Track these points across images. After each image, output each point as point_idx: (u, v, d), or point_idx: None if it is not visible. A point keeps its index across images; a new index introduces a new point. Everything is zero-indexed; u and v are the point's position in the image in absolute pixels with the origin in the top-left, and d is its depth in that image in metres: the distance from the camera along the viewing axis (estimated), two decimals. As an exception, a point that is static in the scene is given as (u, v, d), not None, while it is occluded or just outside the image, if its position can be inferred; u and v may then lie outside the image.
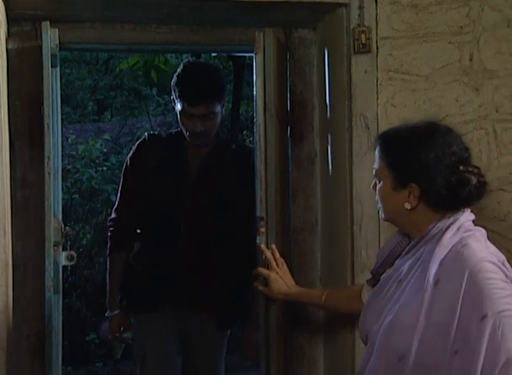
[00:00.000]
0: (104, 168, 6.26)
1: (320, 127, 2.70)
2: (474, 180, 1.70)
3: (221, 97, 2.57)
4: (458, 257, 1.64)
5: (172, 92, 2.60)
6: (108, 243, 2.78)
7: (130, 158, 2.74)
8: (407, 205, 1.74)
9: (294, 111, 2.71)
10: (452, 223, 1.70)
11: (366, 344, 1.82)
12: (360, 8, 2.37)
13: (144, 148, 2.71)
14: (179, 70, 2.59)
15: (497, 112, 2.40)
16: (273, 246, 2.32)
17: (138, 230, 2.77)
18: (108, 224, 2.80)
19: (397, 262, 1.82)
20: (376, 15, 2.37)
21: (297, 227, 2.73)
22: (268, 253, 2.29)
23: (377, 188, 1.82)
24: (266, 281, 2.26)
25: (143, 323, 2.73)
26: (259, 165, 2.41)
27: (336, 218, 2.55)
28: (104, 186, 6.04)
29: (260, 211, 2.41)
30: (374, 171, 1.83)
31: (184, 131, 2.62)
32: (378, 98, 2.40)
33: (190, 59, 2.66)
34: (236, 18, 2.57)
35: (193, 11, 2.45)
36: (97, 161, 6.35)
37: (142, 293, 2.70)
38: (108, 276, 2.78)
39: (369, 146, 2.40)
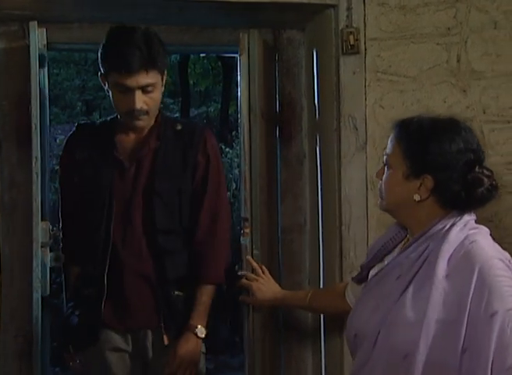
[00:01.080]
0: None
1: (308, 128, 2.70)
2: (487, 182, 1.66)
3: (161, 64, 2.13)
4: (467, 254, 1.60)
5: (101, 68, 2.16)
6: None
7: (60, 160, 2.36)
8: (417, 197, 1.68)
9: (282, 111, 2.71)
10: (457, 221, 1.67)
11: (352, 343, 1.77)
12: (349, 9, 2.38)
13: (73, 142, 2.31)
14: (105, 38, 2.16)
15: (484, 113, 2.42)
16: (248, 258, 2.37)
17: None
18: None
19: (395, 257, 1.76)
20: (364, 16, 2.38)
21: (286, 228, 2.73)
22: (253, 263, 2.34)
23: (384, 175, 1.74)
24: (249, 292, 2.29)
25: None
26: (243, 165, 2.42)
27: (325, 219, 2.56)
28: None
29: (244, 212, 2.42)
30: (385, 158, 1.75)
31: (119, 114, 2.21)
32: (366, 99, 2.41)
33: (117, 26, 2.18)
34: (224, 19, 2.57)
35: (181, 11, 2.45)
36: (86, 162, 6.31)
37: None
38: None
39: (357, 147, 2.42)
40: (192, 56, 7.13)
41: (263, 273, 2.35)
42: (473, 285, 1.56)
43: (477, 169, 1.67)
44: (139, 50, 2.07)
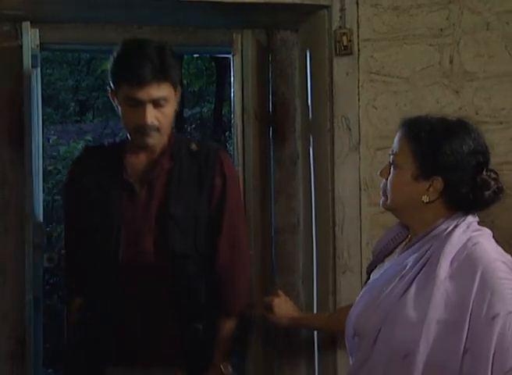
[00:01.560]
0: (86, 169, 6.22)
1: (302, 129, 2.70)
2: (494, 185, 1.65)
3: (174, 77, 2.00)
4: (470, 255, 1.59)
5: (110, 81, 2.03)
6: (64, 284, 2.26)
7: (65, 187, 2.21)
8: (425, 198, 1.65)
9: (276, 112, 2.72)
10: (460, 222, 1.65)
11: (351, 343, 1.75)
12: (342, 10, 2.39)
13: (79, 167, 2.15)
14: (117, 50, 2.04)
15: (477, 114, 2.42)
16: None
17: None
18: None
19: (398, 256, 1.74)
20: (357, 17, 2.39)
21: (279, 228, 2.73)
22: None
23: (391, 175, 1.70)
24: (270, 308, 2.18)
25: None
26: (237, 166, 2.42)
27: (318, 219, 2.56)
28: (85, 187, 6.01)
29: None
30: (391, 157, 1.70)
31: (129, 131, 2.05)
32: (359, 100, 2.41)
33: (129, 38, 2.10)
34: (217, 19, 2.57)
35: (174, 12, 2.45)
36: (79, 162, 6.31)
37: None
38: None
39: (350, 147, 2.42)
40: (186, 57, 7.13)
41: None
42: (475, 287, 1.55)
43: (485, 171, 1.65)
44: (150, 61, 1.94)
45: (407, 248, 1.72)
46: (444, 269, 1.59)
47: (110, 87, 2.03)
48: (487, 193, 1.64)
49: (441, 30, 2.42)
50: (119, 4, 2.38)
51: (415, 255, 1.67)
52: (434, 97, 2.43)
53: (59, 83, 9.14)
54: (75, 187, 2.12)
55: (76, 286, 2.14)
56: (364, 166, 2.43)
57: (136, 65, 1.94)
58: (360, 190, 2.43)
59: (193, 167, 2.06)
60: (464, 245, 1.62)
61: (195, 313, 2.03)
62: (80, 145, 6.50)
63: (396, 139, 1.72)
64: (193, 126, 7.86)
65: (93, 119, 9.17)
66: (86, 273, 2.08)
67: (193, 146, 2.10)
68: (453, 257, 1.60)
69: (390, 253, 1.81)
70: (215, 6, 2.38)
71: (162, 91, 1.96)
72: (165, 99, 1.97)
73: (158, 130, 1.98)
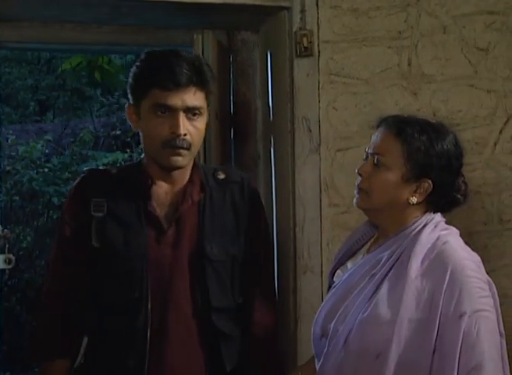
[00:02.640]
0: (46, 169, 6.14)
1: (263, 129, 2.71)
2: (464, 189, 1.68)
3: (210, 87, 1.74)
4: (440, 254, 1.60)
5: (130, 95, 1.77)
6: (36, 346, 1.77)
7: (65, 211, 1.79)
8: (413, 200, 1.63)
9: (237, 113, 2.72)
10: (429, 221, 1.65)
11: (317, 344, 1.71)
12: (302, 11, 2.40)
13: (84, 194, 1.76)
14: (141, 59, 1.75)
15: (435, 116, 2.46)
16: None
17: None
18: (36, 316, 1.85)
19: (366, 255, 1.72)
20: (318, 19, 2.41)
21: (240, 229, 2.73)
22: None
23: (376, 174, 1.65)
24: None
25: None
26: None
27: (279, 220, 2.57)
28: (45, 188, 5.93)
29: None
30: (376, 157, 1.65)
31: (153, 150, 1.71)
32: (319, 101, 2.43)
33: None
34: (178, 19, 2.56)
35: (134, 11, 2.43)
36: (39, 162, 6.22)
37: None
38: None
39: (311, 148, 2.43)
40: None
41: None
42: (445, 285, 1.55)
43: (462, 175, 1.68)
44: (188, 64, 1.67)
45: (378, 247, 1.70)
46: (415, 267, 1.59)
47: (129, 101, 1.76)
48: (459, 196, 1.66)
49: (399, 32, 2.45)
50: (77, 3, 2.36)
51: (385, 254, 1.66)
52: (393, 98, 2.46)
53: (18, 83, 8.98)
54: (78, 220, 1.73)
55: (91, 357, 1.74)
56: (324, 166, 2.44)
57: (172, 66, 1.66)
58: (320, 191, 2.44)
59: (226, 200, 1.77)
60: (434, 244, 1.62)
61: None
62: (40, 145, 6.40)
63: (377, 137, 1.67)
64: (156, 126, 7.80)
65: (53, 118, 9.04)
66: (83, 334, 1.74)
67: (220, 174, 1.81)
68: (424, 256, 1.61)
69: (353, 254, 1.80)
70: (175, 6, 2.37)
71: (198, 99, 1.69)
72: (200, 111, 1.70)
73: (189, 148, 1.68)
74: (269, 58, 2.61)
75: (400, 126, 1.65)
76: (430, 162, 1.63)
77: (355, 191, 1.72)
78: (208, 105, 1.74)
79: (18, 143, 6.60)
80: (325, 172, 2.44)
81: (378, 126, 1.72)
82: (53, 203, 5.81)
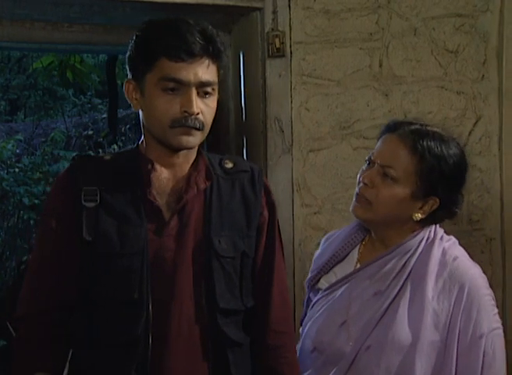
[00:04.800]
0: (16, 169, 6.07)
1: (235, 130, 2.71)
2: (462, 200, 1.65)
3: (223, 61, 1.54)
4: (453, 272, 1.56)
5: (130, 69, 1.54)
6: (14, 360, 1.52)
7: (51, 201, 1.58)
8: (417, 217, 1.59)
9: (210, 113, 2.71)
10: (432, 234, 1.62)
11: (307, 357, 1.65)
12: (274, 12, 2.40)
13: (72, 181, 1.54)
14: (141, 28, 1.56)
15: (405, 117, 2.48)
16: None
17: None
18: (14, 326, 1.56)
19: (363, 267, 1.64)
20: (290, 20, 2.41)
21: (213, 230, 2.72)
22: None
23: (384, 187, 1.57)
24: None
25: None
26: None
27: (251, 220, 2.57)
28: (15, 188, 5.85)
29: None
30: (385, 168, 1.57)
31: (159, 129, 1.50)
32: (292, 102, 2.44)
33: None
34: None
35: (105, 10, 2.41)
36: (9, 162, 6.15)
37: None
38: None
39: (283, 149, 2.44)
40: (121, 57, 7.04)
41: None
42: (462, 305, 1.53)
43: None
44: (199, 32, 1.47)
45: (378, 258, 1.63)
46: (431, 287, 1.55)
47: (127, 77, 1.55)
48: (457, 210, 1.64)
49: (371, 34, 2.47)
50: (47, 1, 2.33)
51: (387, 270, 1.60)
52: (364, 99, 2.48)
53: (-12, 82, 8.88)
54: (67, 210, 1.52)
55: (42, 363, 1.50)
56: (296, 167, 2.45)
57: (182, 32, 1.45)
58: (293, 191, 2.45)
59: (235, 191, 1.58)
60: (445, 261, 1.58)
61: None
62: (10, 145, 6.32)
63: (387, 146, 1.59)
64: (128, 126, 7.77)
65: (24, 118, 8.94)
66: (68, 346, 1.52)
67: (228, 163, 1.62)
68: (437, 274, 1.57)
69: (342, 260, 1.72)
70: (146, 6, 2.36)
71: (211, 73, 1.49)
72: (213, 87, 1.50)
73: (201, 128, 1.48)
74: (241, 58, 2.61)
75: (415, 139, 1.57)
76: (442, 180, 1.58)
77: (354, 199, 1.63)
78: (218, 81, 1.53)
79: (-12, 143, 6.53)
80: (298, 172, 2.45)
81: (386, 133, 1.64)
82: (24, 203, 5.74)
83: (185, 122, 1.46)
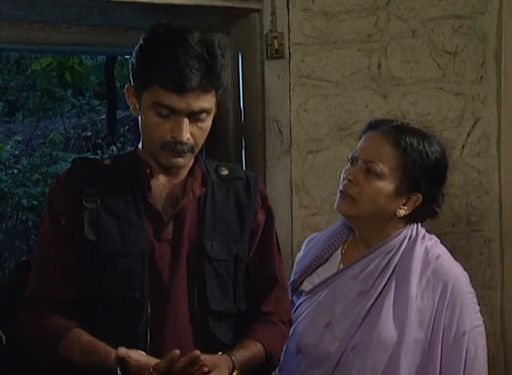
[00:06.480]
0: (15, 171, 6.08)
1: (234, 131, 2.71)
2: (442, 199, 1.68)
3: (222, 83, 1.56)
4: (436, 270, 1.58)
5: (132, 77, 1.59)
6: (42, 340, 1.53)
7: (52, 200, 1.60)
8: (401, 213, 1.61)
9: (208, 115, 2.70)
10: (417, 233, 1.63)
11: (293, 358, 1.66)
12: (273, 14, 2.40)
13: (75, 180, 1.58)
14: (147, 38, 1.58)
15: (404, 118, 2.47)
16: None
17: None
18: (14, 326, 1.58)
19: (346, 267, 1.66)
20: (288, 21, 2.41)
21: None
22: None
23: (368, 182, 1.59)
24: None
25: None
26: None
27: (250, 221, 2.56)
28: (14, 189, 5.86)
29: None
30: (368, 164, 1.59)
31: (152, 145, 1.55)
32: (290, 103, 2.44)
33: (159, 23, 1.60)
34: (148, 20, 2.51)
35: (104, 12, 2.41)
36: (8, 163, 6.16)
37: None
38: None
39: (282, 150, 2.44)
40: (119, 58, 7.04)
41: None
42: (446, 303, 1.55)
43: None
44: (198, 61, 1.47)
45: (360, 258, 1.64)
46: (414, 285, 1.56)
47: (130, 82, 1.59)
48: (437, 209, 1.67)
49: (369, 35, 2.47)
50: (46, 3, 2.33)
51: (371, 269, 1.61)
52: (363, 101, 2.48)
53: (-13, 83, 8.88)
54: (68, 209, 1.55)
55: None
56: (295, 168, 2.45)
57: (178, 62, 1.46)
58: (291, 192, 2.45)
59: (230, 197, 1.63)
60: (428, 259, 1.59)
61: None
62: (9, 146, 6.32)
63: (370, 143, 1.61)
64: (127, 127, 7.77)
65: (23, 119, 8.94)
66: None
67: (224, 170, 1.67)
68: (420, 272, 1.58)
69: (325, 261, 1.74)
70: (144, 7, 2.36)
71: (206, 101, 1.51)
72: (208, 112, 1.53)
73: (192, 149, 1.53)
74: (240, 60, 2.61)
75: (397, 135, 1.60)
76: (424, 175, 1.60)
77: (338, 195, 1.65)
78: (217, 98, 1.57)
79: (-14, 144, 6.53)
80: (296, 174, 2.45)
81: (368, 130, 1.67)
82: (22, 205, 5.75)
83: (174, 146, 1.51)
